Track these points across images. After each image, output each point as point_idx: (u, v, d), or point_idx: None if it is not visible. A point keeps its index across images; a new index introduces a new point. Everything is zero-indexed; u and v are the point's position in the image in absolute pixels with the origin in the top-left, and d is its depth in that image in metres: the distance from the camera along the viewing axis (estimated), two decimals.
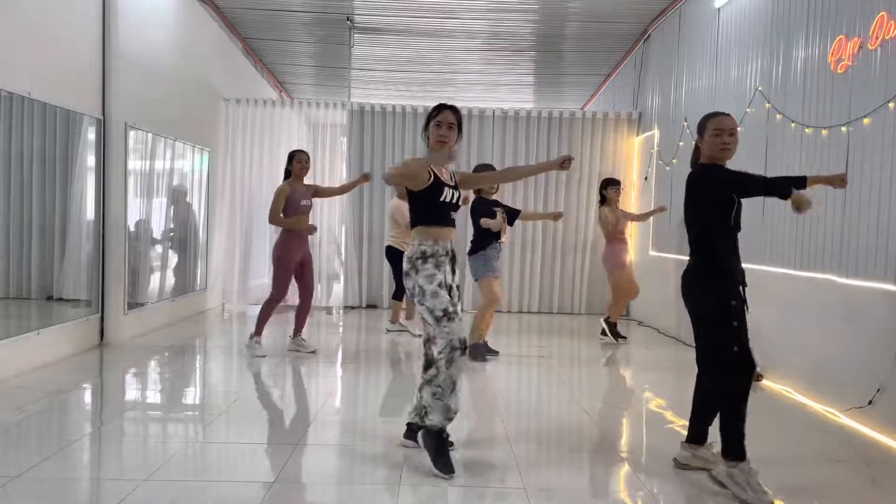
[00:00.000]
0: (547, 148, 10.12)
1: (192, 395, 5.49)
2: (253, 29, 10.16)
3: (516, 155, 10.13)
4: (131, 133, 7.01)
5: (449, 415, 3.70)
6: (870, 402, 4.52)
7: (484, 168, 6.56)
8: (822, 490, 3.60)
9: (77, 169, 6.42)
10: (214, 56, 9.65)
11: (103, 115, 6.57)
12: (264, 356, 6.36)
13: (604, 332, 7.77)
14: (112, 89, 6.62)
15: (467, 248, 6.74)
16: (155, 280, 8.03)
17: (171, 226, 8.50)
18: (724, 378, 3.47)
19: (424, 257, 3.75)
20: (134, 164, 7.17)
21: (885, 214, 4.57)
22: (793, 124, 5.71)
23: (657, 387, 5.92)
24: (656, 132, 9.18)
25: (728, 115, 3.64)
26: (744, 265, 3.58)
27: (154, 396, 5.25)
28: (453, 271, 3.88)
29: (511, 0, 8.70)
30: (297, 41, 10.78)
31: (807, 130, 5.51)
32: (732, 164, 3.68)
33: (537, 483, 3.54)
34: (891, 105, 4.55)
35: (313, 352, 6.64)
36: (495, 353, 6.74)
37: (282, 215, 6.31)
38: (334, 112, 10.34)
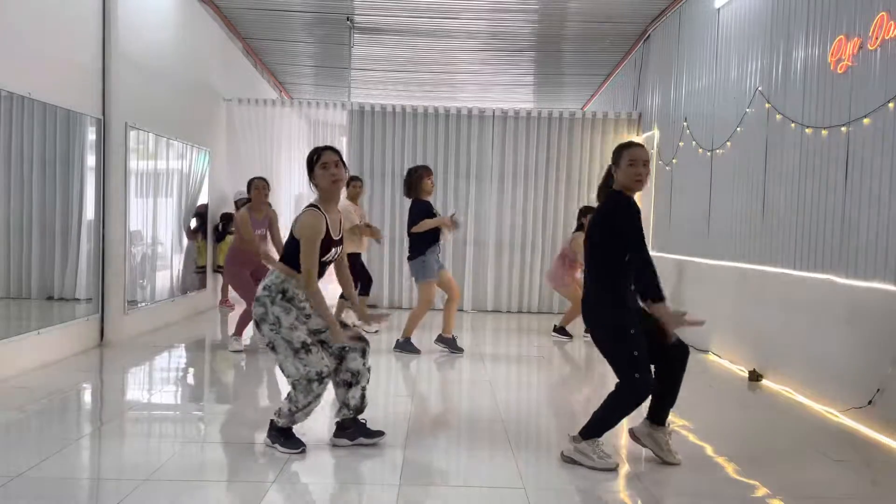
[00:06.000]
0: (547, 148, 10.12)
1: (191, 395, 5.50)
2: (253, 29, 10.16)
3: (516, 155, 10.13)
4: (131, 133, 7.01)
5: (293, 424, 3.86)
6: (870, 402, 4.52)
7: (420, 170, 6.77)
8: (822, 490, 3.60)
9: (77, 169, 6.42)
10: (214, 56, 9.64)
11: (103, 115, 6.57)
12: (241, 351, 6.56)
13: (556, 331, 8.00)
14: (112, 89, 6.62)
15: (406, 254, 6.88)
16: (155, 280, 8.03)
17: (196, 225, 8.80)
18: (618, 390, 3.70)
19: (284, 295, 3.75)
20: (134, 164, 7.17)
21: (885, 214, 4.57)
22: (793, 124, 5.71)
23: None
24: (656, 132, 9.18)
25: (642, 146, 3.78)
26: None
27: (154, 396, 5.25)
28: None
29: (511, 0, 8.69)
30: (297, 41, 10.78)
31: (807, 131, 5.51)
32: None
33: (537, 483, 3.54)
34: (891, 105, 4.55)
35: (245, 351, 6.65)
36: (417, 351, 6.80)
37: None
38: (334, 112, 10.34)
